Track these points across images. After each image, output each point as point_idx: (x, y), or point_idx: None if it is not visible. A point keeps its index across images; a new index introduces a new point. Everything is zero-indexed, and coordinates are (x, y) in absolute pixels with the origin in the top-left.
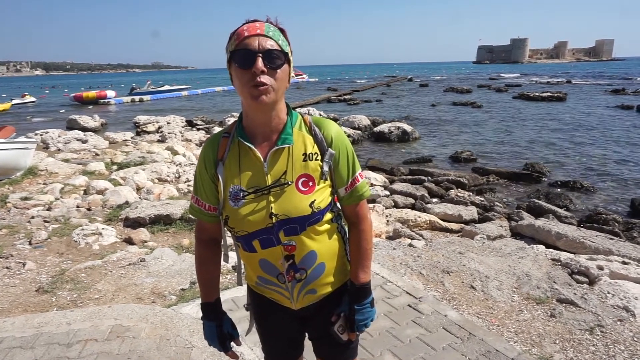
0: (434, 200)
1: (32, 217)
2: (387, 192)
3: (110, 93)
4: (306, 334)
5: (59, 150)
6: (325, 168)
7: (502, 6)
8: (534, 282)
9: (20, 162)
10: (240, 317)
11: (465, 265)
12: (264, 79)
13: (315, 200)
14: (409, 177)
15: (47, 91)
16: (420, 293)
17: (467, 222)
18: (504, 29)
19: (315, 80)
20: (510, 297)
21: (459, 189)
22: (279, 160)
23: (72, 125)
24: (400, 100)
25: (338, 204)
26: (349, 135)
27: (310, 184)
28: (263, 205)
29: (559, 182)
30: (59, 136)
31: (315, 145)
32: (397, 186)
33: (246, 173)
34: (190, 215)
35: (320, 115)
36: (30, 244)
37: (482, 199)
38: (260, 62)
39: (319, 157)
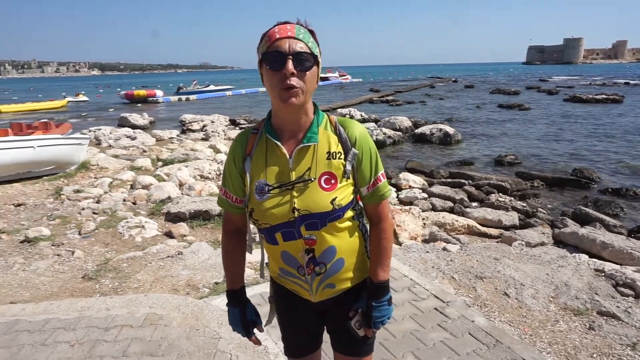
0: (474, 204)
1: (83, 209)
2: (425, 195)
3: (159, 92)
4: (325, 327)
5: (110, 146)
6: (348, 167)
7: (554, 4)
8: (573, 292)
9: (75, 157)
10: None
11: (499, 272)
12: (294, 81)
13: (336, 197)
14: (449, 180)
15: (101, 90)
16: (448, 297)
17: (507, 228)
18: (557, 29)
19: (358, 80)
20: (546, 306)
21: (500, 194)
22: (304, 158)
23: (122, 123)
24: (444, 102)
25: (360, 203)
26: (388, 137)
27: (333, 181)
28: (287, 199)
29: (609, 190)
30: (110, 133)
31: (339, 145)
32: (436, 189)
33: (272, 168)
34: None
35: (361, 116)
36: (79, 234)
37: (525, 204)
38: (290, 65)
39: (342, 156)
